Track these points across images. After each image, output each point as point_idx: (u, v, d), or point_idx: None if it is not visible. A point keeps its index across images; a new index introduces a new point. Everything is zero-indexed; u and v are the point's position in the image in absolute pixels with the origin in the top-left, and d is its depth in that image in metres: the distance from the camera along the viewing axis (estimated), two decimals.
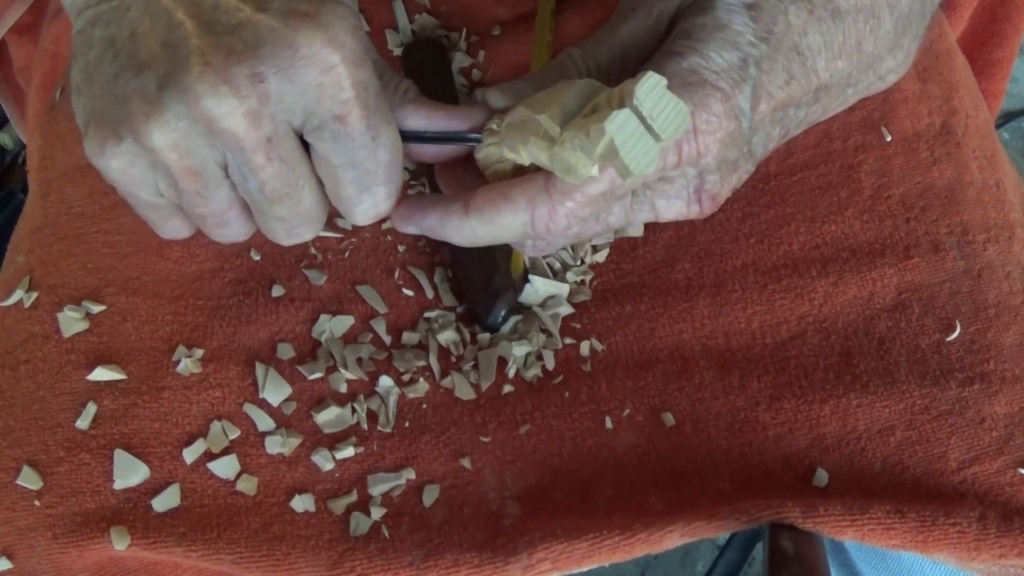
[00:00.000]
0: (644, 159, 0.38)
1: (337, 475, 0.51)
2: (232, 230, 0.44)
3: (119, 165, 0.40)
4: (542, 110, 0.40)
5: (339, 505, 0.50)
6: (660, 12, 0.45)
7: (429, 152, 0.46)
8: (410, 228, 0.45)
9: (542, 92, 0.42)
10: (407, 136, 0.43)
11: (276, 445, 0.51)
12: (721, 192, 0.45)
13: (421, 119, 0.44)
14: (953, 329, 0.53)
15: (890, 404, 0.51)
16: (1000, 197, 0.59)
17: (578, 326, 0.56)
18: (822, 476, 0.50)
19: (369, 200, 0.42)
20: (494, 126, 0.43)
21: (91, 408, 0.50)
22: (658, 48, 0.44)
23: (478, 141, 0.44)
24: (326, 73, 0.38)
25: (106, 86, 0.40)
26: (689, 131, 0.41)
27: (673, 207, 0.45)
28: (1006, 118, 1.58)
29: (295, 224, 0.43)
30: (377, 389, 0.54)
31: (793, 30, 0.44)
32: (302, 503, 0.50)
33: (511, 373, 0.55)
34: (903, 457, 0.50)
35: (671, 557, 1.20)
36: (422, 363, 0.55)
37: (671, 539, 0.48)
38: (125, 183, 0.41)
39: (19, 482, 0.48)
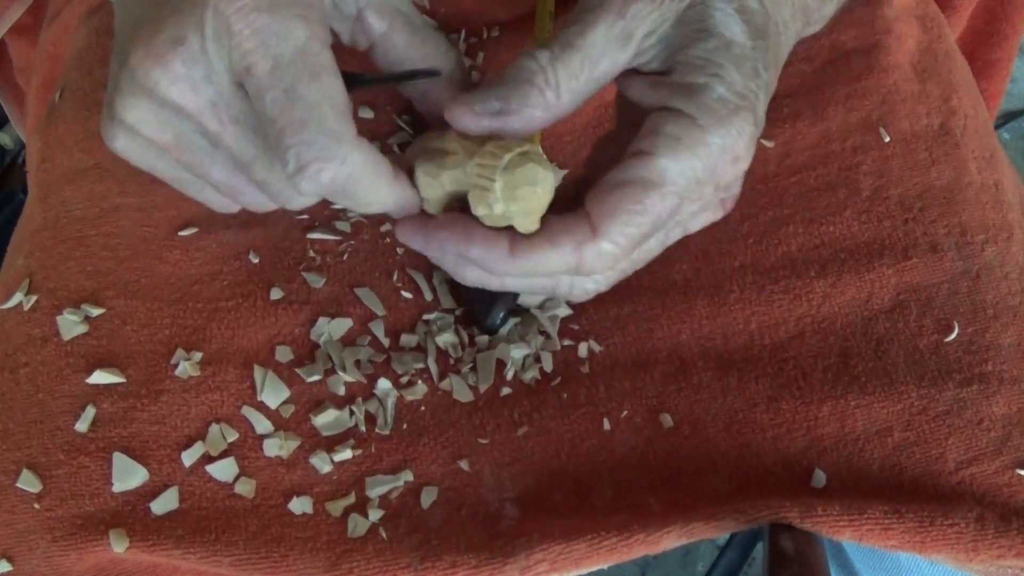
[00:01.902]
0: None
1: (335, 477, 0.51)
2: (251, 199, 0.43)
3: (120, 145, 0.41)
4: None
5: (337, 507, 0.50)
6: (632, 17, 0.42)
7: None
8: (437, 251, 0.43)
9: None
10: (364, 82, 0.41)
11: (274, 447, 0.51)
12: (740, 190, 0.46)
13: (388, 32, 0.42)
14: (951, 330, 0.53)
15: (888, 405, 0.51)
16: (999, 198, 0.59)
17: (576, 327, 0.56)
18: (820, 477, 0.50)
19: (293, 161, 0.38)
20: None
21: (90, 411, 0.50)
22: (628, 59, 0.43)
23: (432, 74, 0.43)
24: (227, 24, 0.37)
25: (111, 71, 0.41)
26: (730, 158, 0.42)
27: (703, 221, 0.46)
28: (1006, 118, 1.58)
29: (281, 187, 0.41)
30: (375, 391, 0.54)
31: (771, 15, 0.44)
32: (300, 505, 0.50)
33: (509, 375, 0.55)
34: (901, 458, 0.50)
35: (671, 557, 1.21)
36: (420, 365, 0.55)
37: (669, 540, 0.48)
38: (137, 162, 0.42)
39: (18, 485, 0.49)
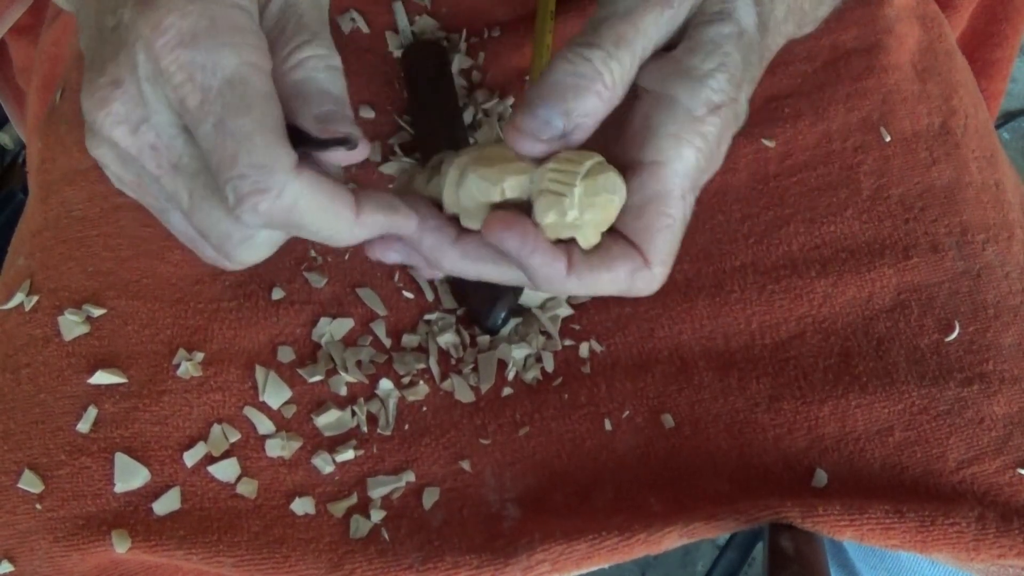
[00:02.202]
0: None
1: (337, 478, 0.51)
2: (204, 252, 0.42)
3: (107, 173, 0.41)
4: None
5: (339, 508, 0.50)
6: (675, 18, 0.41)
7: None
8: (500, 240, 0.40)
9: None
10: (296, 137, 0.38)
11: (276, 448, 0.51)
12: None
13: (287, 112, 0.38)
14: (952, 329, 0.53)
15: (889, 404, 0.51)
16: (999, 197, 0.59)
17: (577, 327, 0.56)
18: (821, 477, 0.50)
19: (232, 195, 0.36)
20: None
21: (92, 411, 0.50)
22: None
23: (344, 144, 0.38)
24: (157, 61, 0.35)
25: None
26: (724, 147, 0.42)
27: None
28: (1006, 118, 1.58)
29: (222, 241, 0.39)
30: (377, 392, 0.54)
31: (772, 12, 0.43)
32: (302, 506, 0.50)
33: (511, 375, 0.55)
34: (902, 457, 0.50)
35: (671, 557, 1.20)
36: (422, 366, 0.55)
37: (670, 540, 0.48)
38: (123, 186, 0.41)
39: (20, 485, 0.49)
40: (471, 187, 0.40)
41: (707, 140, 0.40)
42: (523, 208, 0.40)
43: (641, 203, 0.40)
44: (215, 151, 0.36)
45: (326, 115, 0.39)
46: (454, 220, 0.41)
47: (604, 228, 0.40)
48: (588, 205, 0.39)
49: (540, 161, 0.40)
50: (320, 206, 0.37)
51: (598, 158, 0.40)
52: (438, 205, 0.42)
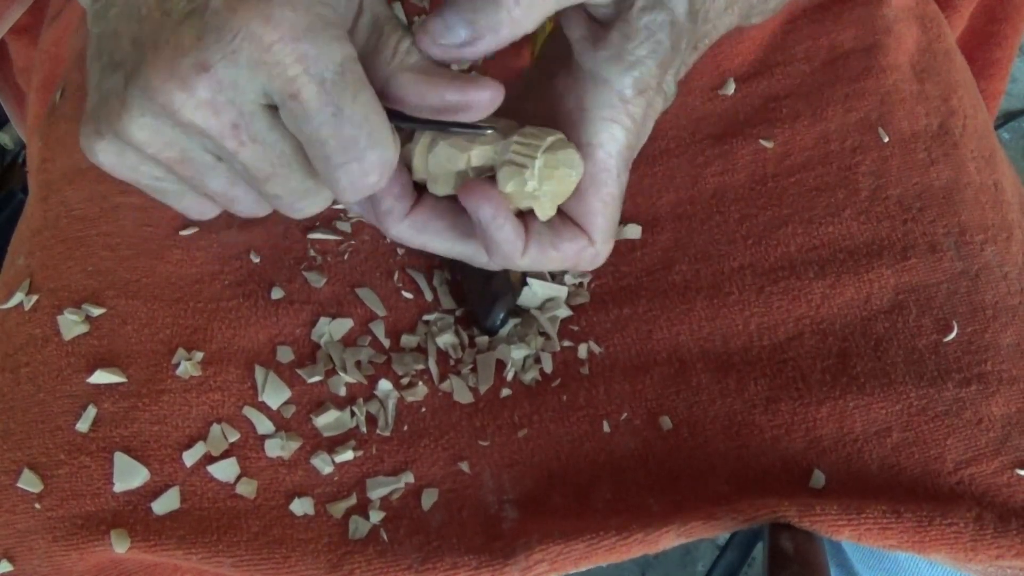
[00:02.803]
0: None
1: (336, 478, 0.51)
2: (245, 207, 0.43)
3: (108, 159, 0.40)
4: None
5: (338, 508, 0.50)
6: None
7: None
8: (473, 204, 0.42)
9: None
10: (400, 118, 0.40)
11: (276, 448, 0.51)
12: None
13: (416, 89, 0.40)
14: (950, 330, 0.53)
15: (887, 405, 0.51)
16: (998, 198, 0.59)
17: (576, 329, 0.57)
18: (819, 478, 0.50)
19: (345, 178, 0.39)
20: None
21: (91, 411, 0.50)
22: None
23: (477, 132, 0.41)
24: (266, 52, 0.36)
25: (95, 84, 0.40)
26: (648, 125, 0.43)
27: None
28: (1006, 118, 1.58)
29: (293, 200, 0.41)
30: (376, 392, 0.54)
31: (706, 2, 0.43)
32: (301, 506, 0.50)
33: (509, 376, 0.55)
34: (900, 458, 0.50)
35: (671, 557, 1.21)
36: (421, 366, 0.55)
37: (668, 539, 0.48)
38: (120, 174, 0.41)
39: (19, 485, 0.49)
40: (440, 154, 0.42)
41: (635, 119, 0.42)
42: (487, 178, 0.42)
43: (581, 185, 0.42)
44: (331, 138, 0.38)
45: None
46: (420, 188, 0.44)
47: (560, 201, 0.42)
48: (547, 177, 0.41)
49: (506, 135, 0.41)
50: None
51: (559, 135, 0.41)
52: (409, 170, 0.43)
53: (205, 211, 0.44)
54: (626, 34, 0.41)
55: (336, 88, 0.37)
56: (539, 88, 0.45)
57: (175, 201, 0.43)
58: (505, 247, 0.42)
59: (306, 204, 0.42)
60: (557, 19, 0.65)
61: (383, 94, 0.40)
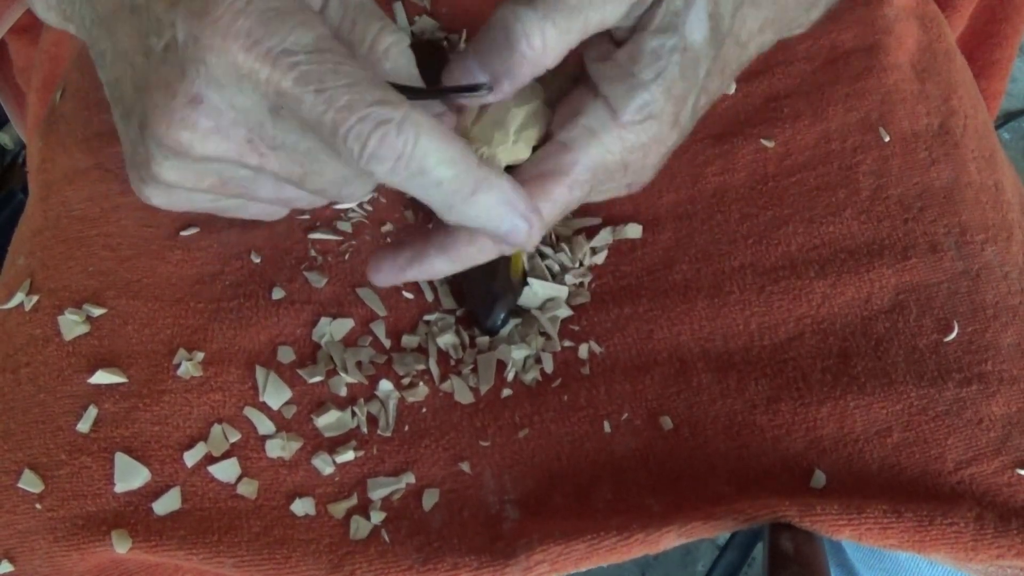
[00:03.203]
0: None
1: (337, 479, 0.51)
2: (305, 202, 0.44)
3: (161, 201, 0.41)
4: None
5: (339, 509, 0.50)
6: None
7: None
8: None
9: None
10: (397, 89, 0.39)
11: (276, 448, 0.51)
12: (650, 179, 0.45)
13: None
14: (951, 329, 0.53)
15: (887, 405, 0.51)
16: (998, 197, 0.59)
17: (577, 328, 0.57)
18: (820, 478, 0.50)
19: (358, 147, 0.36)
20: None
21: (92, 411, 0.50)
22: (619, 17, 0.40)
23: (474, 91, 0.40)
24: (237, 65, 0.36)
25: (122, 132, 0.41)
26: (641, 154, 0.42)
27: (605, 194, 0.46)
28: (1006, 118, 1.58)
29: (337, 189, 0.41)
30: (377, 393, 0.54)
31: (733, 30, 0.43)
32: (303, 507, 0.50)
33: (510, 376, 0.55)
34: (900, 458, 0.50)
35: (671, 557, 1.21)
36: (421, 367, 0.55)
37: (668, 539, 0.48)
38: (181, 208, 0.42)
39: (20, 485, 0.49)
40: (485, 121, 0.43)
41: (625, 146, 0.41)
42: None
43: (535, 175, 0.42)
44: (325, 116, 0.36)
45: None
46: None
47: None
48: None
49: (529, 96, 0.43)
50: (442, 140, 0.37)
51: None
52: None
53: (274, 212, 0.45)
54: (632, 54, 0.41)
55: (313, 66, 0.36)
56: (560, 76, 0.44)
57: (242, 213, 0.44)
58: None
59: (353, 189, 0.42)
60: None
61: None
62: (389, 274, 0.44)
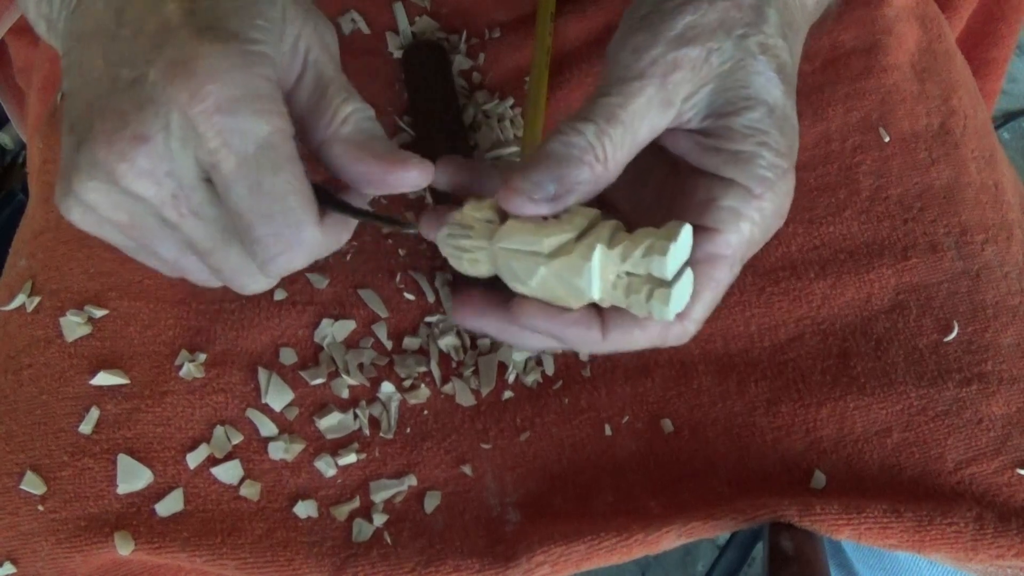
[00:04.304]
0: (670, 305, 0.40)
1: (340, 481, 0.51)
2: (197, 276, 0.44)
3: (75, 217, 0.41)
4: (541, 235, 0.41)
5: (342, 511, 0.50)
6: (675, 86, 0.42)
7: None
8: (533, 341, 0.44)
9: (528, 223, 0.42)
10: (331, 203, 0.42)
11: (279, 451, 0.51)
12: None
13: (343, 162, 0.42)
14: (951, 329, 0.53)
15: (887, 406, 0.51)
16: (998, 197, 0.59)
17: None
18: (820, 479, 0.50)
19: (262, 252, 0.40)
20: (477, 216, 0.43)
21: (94, 413, 0.50)
22: (668, 123, 0.42)
23: (403, 228, 0.43)
24: (191, 125, 0.37)
25: (64, 142, 0.41)
26: (779, 219, 0.44)
27: None
28: (1006, 118, 1.58)
29: (234, 276, 0.42)
30: (379, 395, 0.54)
31: (795, 61, 0.44)
32: (305, 509, 0.50)
33: (511, 378, 0.55)
34: (900, 458, 0.50)
35: (671, 557, 1.21)
36: (423, 369, 0.55)
37: (668, 539, 0.48)
38: (89, 231, 0.42)
39: (23, 487, 0.49)
40: (512, 244, 0.42)
41: (764, 214, 0.42)
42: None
43: (692, 262, 0.42)
44: (247, 211, 0.38)
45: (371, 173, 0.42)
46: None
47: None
48: (546, 286, 0.41)
49: (585, 224, 0.41)
50: (323, 249, 0.42)
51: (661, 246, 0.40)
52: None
53: (171, 271, 0.44)
54: (731, 138, 0.42)
55: (256, 163, 0.38)
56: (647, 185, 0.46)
57: (145, 260, 0.44)
58: (579, 344, 0.43)
59: (248, 282, 0.43)
60: (558, 19, 0.65)
61: (316, 157, 0.41)
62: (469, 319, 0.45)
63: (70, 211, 0.40)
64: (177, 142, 0.38)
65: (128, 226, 0.40)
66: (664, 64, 0.41)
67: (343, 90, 0.42)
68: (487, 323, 0.44)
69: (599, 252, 0.40)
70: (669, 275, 0.39)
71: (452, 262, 0.44)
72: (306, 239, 0.40)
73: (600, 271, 0.40)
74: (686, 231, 0.40)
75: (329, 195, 0.42)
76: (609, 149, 0.41)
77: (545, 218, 0.42)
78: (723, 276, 0.43)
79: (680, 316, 0.42)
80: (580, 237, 0.41)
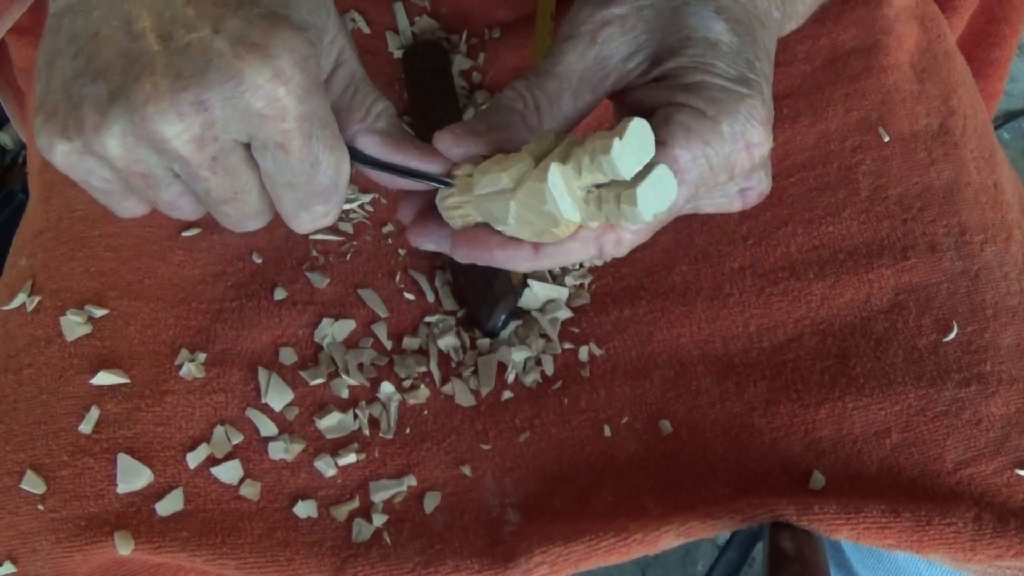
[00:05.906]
0: (650, 206, 0.38)
1: (339, 481, 0.51)
2: (184, 212, 0.44)
3: (65, 160, 0.40)
4: (504, 168, 0.40)
5: (341, 511, 0.50)
6: (604, 42, 0.44)
7: (390, 183, 0.46)
8: (468, 259, 0.45)
9: (499, 155, 0.42)
10: (364, 160, 0.44)
11: (279, 451, 0.51)
12: (767, 186, 0.46)
13: (381, 151, 0.44)
14: (950, 330, 0.53)
15: (886, 406, 0.51)
16: (998, 198, 0.59)
17: (577, 330, 0.57)
18: (818, 479, 0.50)
19: (306, 216, 0.43)
20: (460, 173, 0.43)
21: (94, 412, 0.50)
22: (611, 87, 0.44)
23: (439, 183, 0.43)
24: (270, 105, 0.38)
25: (64, 82, 0.40)
26: (743, 144, 0.42)
27: (716, 205, 0.46)
28: (1006, 118, 1.57)
29: (241, 219, 0.43)
30: (378, 395, 0.54)
31: (748, 8, 0.44)
32: (305, 509, 0.50)
33: (510, 379, 0.55)
34: (899, 459, 0.50)
35: (671, 557, 1.21)
36: (423, 369, 0.55)
37: (667, 539, 0.48)
38: (70, 174, 0.41)
39: (23, 486, 0.49)
40: (484, 186, 0.42)
41: (720, 137, 0.41)
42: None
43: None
44: (305, 184, 0.41)
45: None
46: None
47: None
48: (523, 220, 0.40)
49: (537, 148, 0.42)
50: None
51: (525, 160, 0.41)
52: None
53: (137, 212, 0.45)
54: (677, 75, 0.43)
55: (319, 143, 0.40)
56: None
57: (115, 202, 0.44)
58: (512, 264, 0.44)
59: (252, 223, 0.44)
60: (558, 18, 0.65)
61: (349, 147, 0.43)
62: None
63: (62, 154, 0.40)
64: (240, 114, 0.38)
65: (139, 175, 0.40)
66: (592, 23, 0.44)
67: (373, 88, 0.45)
68: (437, 244, 0.46)
69: (554, 169, 0.39)
70: (625, 173, 0.38)
71: (453, 224, 0.44)
72: (341, 201, 0.44)
73: (565, 190, 0.39)
74: (635, 125, 0.38)
75: (363, 156, 0.45)
76: (540, 99, 0.44)
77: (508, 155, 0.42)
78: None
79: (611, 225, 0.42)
80: (539, 163, 0.40)
